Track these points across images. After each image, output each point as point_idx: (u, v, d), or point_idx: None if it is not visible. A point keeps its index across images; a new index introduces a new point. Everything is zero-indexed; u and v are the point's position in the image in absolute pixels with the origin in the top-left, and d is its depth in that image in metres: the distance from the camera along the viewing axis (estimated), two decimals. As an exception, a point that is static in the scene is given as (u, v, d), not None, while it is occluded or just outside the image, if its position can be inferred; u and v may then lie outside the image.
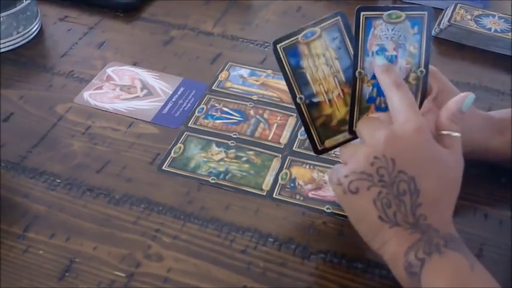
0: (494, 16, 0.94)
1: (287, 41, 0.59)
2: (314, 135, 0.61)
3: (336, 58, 0.59)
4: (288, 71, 0.59)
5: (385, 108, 0.58)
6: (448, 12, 0.94)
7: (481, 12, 0.95)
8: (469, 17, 0.93)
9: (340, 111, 0.60)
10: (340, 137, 0.61)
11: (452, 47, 0.90)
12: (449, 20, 0.92)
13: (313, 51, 0.59)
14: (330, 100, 0.60)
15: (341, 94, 0.60)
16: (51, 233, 0.61)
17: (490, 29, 0.90)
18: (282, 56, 0.59)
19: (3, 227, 0.61)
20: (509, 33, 0.90)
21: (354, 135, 0.60)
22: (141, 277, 0.57)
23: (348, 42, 0.59)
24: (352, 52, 0.58)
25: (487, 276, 0.49)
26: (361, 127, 0.56)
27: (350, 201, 0.53)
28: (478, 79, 0.83)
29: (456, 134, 0.54)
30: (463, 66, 0.87)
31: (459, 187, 0.53)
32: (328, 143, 0.61)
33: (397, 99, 0.54)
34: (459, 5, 0.96)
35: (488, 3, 1.00)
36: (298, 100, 0.60)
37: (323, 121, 0.60)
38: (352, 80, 0.58)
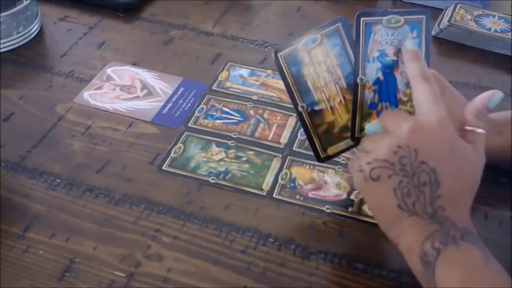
0: (494, 16, 0.94)
1: (288, 50, 0.59)
2: (316, 144, 0.61)
3: (337, 65, 0.59)
4: (289, 79, 0.59)
5: None
6: (448, 12, 0.94)
7: (481, 12, 0.95)
8: (469, 17, 0.93)
9: (342, 118, 0.60)
10: (343, 144, 0.61)
11: (452, 47, 0.90)
12: (449, 20, 0.92)
13: (314, 58, 0.59)
14: (331, 107, 0.60)
15: (342, 101, 0.60)
16: (51, 233, 0.61)
17: (490, 29, 0.90)
18: (283, 65, 0.59)
19: (3, 227, 0.61)
20: (509, 33, 0.90)
21: (356, 142, 0.60)
22: (141, 277, 0.57)
23: (349, 48, 0.59)
24: (353, 58, 0.58)
25: (501, 271, 0.49)
26: (386, 118, 0.55)
27: (370, 189, 0.53)
28: (478, 79, 0.83)
29: (480, 130, 0.54)
30: (463, 66, 0.87)
31: (478, 184, 0.53)
32: (330, 150, 0.61)
33: (424, 91, 0.53)
34: (459, 5, 0.96)
35: (488, 3, 1.00)
36: (300, 108, 0.60)
37: (325, 128, 0.60)
38: (353, 87, 0.58)
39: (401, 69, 0.57)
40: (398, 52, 0.57)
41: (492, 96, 0.56)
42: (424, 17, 0.57)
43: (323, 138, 0.61)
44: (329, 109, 0.60)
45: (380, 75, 0.58)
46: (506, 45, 0.88)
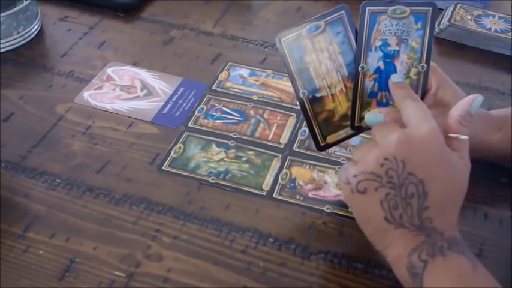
0: (494, 16, 0.94)
1: (291, 35, 0.59)
2: (316, 131, 0.61)
3: (339, 52, 0.59)
4: (291, 65, 0.59)
5: (386, 103, 0.59)
6: (448, 12, 0.94)
7: (481, 12, 0.95)
8: (469, 17, 0.93)
9: (342, 106, 0.60)
10: (342, 133, 0.61)
11: (452, 47, 0.90)
12: (449, 20, 0.92)
13: (317, 45, 0.59)
14: (332, 95, 0.60)
15: (343, 89, 0.60)
16: (51, 233, 0.61)
17: (490, 29, 0.90)
18: (285, 51, 0.59)
19: (3, 227, 0.61)
20: (509, 33, 0.90)
21: (355, 131, 0.61)
22: (141, 277, 0.57)
23: (351, 36, 0.59)
24: (355, 46, 0.59)
25: (489, 279, 0.49)
26: (376, 130, 0.55)
27: (357, 201, 0.53)
28: (478, 79, 0.83)
29: (464, 137, 0.54)
30: (463, 66, 0.87)
31: (465, 191, 0.53)
32: (330, 139, 0.61)
33: (412, 108, 0.54)
34: (459, 5, 0.96)
35: (488, 3, 1.00)
36: (301, 95, 0.60)
37: (325, 116, 0.60)
38: (354, 75, 0.59)
39: (401, 59, 0.58)
40: (400, 42, 0.58)
41: (473, 101, 0.55)
42: (430, 9, 0.57)
43: (323, 127, 0.61)
44: (330, 97, 0.60)
45: (381, 64, 0.58)
46: (506, 45, 0.88)
